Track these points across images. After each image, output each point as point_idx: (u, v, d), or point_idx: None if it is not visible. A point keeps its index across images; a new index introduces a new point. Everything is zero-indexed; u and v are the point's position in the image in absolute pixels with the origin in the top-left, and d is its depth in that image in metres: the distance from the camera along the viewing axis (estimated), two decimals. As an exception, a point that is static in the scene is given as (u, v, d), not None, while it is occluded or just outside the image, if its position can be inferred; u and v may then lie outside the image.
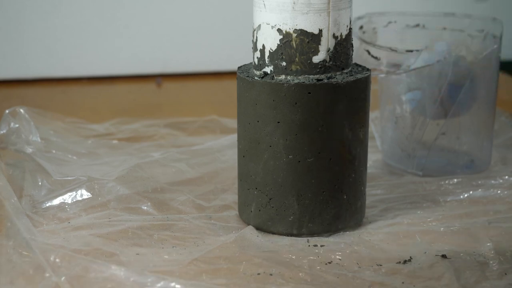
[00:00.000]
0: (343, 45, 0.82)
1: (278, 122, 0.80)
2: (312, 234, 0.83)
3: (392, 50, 0.96)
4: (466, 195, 0.94)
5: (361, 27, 1.04)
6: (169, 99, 1.42)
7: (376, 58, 0.97)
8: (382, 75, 1.01)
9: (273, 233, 0.84)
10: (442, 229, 0.85)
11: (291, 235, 0.83)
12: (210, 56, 1.53)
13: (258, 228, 0.84)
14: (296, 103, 0.79)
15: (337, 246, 0.80)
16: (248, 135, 0.83)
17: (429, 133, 1.00)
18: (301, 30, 0.79)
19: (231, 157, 1.03)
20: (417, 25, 1.05)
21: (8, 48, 1.47)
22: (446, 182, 0.97)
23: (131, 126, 1.19)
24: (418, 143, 1.01)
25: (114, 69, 1.51)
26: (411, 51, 0.96)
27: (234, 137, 1.05)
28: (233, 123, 1.19)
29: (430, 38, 1.00)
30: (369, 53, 0.98)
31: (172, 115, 1.26)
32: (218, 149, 1.06)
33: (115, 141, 1.13)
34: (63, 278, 0.71)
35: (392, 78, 1.01)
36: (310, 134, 0.80)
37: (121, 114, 1.24)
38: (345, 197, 0.83)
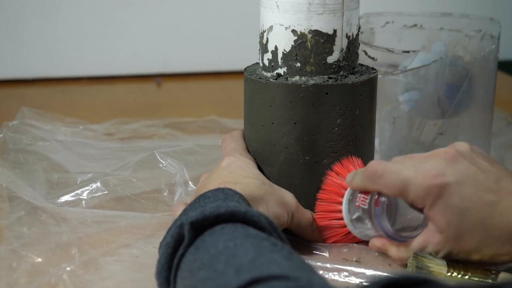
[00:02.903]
0: (354, 44, 0.82)
1: (295, 123, 0.80)
2: None
3: (389, 50, 0.97)
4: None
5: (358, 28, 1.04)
6: (169, 99, 1.42)
7: (373, 58, 0.97)
8: (380, 76, 1.02)
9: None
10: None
11: None
12: (210, 56, 1.53)
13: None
14: (313, 104, 0.80)
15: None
16: (260, 137, 0.83)
17: (427, 133, 1.01)
18: (316, 30, 0.79)
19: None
20: (415, 25, 1.05)
21: (8, 48, 1.47)
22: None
23: (131, 126, 1.20)
24: (416, 144, 1.01)
25: (114, 69, 1.52)
26: (408, 51, 0.96)
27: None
28: (233, 123, 1.20)
29: (428, 38, 1.00)
30: (366, 53, 0.99)
31: (172, 115, 1.26)
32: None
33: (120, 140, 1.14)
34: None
35: (390, 79, 1.01)
36: (326, 135, 0.80)
37: (121, 114, 1.25)
38: None
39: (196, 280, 0.59)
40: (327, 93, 0.79)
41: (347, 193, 0.76)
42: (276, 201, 0.76)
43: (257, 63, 0.86)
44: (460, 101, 0.99)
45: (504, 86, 1.39)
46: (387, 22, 1.05)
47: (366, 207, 0.74)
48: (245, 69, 0.86)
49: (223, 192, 0.71)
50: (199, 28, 1.52)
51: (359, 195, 0.75)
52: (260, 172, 0.80)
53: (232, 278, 0.56)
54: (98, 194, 0.92)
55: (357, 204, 0.75)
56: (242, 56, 1.43)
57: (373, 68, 0.85)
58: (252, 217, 0.65)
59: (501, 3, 1.62)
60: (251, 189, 0.74)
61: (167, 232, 0.66)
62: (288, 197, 0.78)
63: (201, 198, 0.71)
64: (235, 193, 0.71)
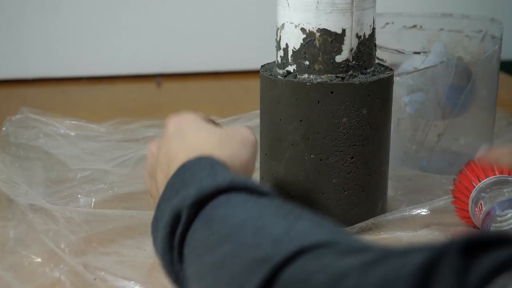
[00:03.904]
0: (366, 45, 0.82)
1: (301, 121, 0.81)
2: None
3: (399, 52, 0.96)
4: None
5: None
6: (169, 99, 1.42)
7: (381, 60, 0.97)
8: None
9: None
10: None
11: None
12: (210, 56, 1.53)
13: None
14: (318, 102, 0.80)
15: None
16: (270, 133, 0.83)
17: (431, 134, 1.00)
18: (324, 29, 0.80)
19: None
20: (414, 26, 1.05)
21: (8, 48, 1.47)
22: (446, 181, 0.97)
23: (131, 126, 1.20)
24: (421, 145, 1.01)
25: (114, 69, 1.52)
26: (419, 53, 0.96)
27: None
28: (233, 123, 1.19)
29: (427, 39, 1.00)
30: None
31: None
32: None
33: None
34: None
35: (394, 80, 1.01)
36: (332, 133, 0.80)
37: (121, 114, 1.25)
38: (366, 196, 0.83)
39: (218, 256, 0.54)
40: (332, 92, 0.79)
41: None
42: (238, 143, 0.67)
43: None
44: (463, 102, 0.99)
45: (504, 86, 1.39)
46: (387, 23, 1.05)
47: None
48: (262, 65, 0.87)
49: (208, 161, 0.63)
50: (199, 28, 1.52)
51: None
52: (208, 124, 0.71)
53: (272, 250, 0.50)
54: (97, 192, 0.92)
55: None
56: (242, 56, 1.43)
57: (390, 69, 0.85)
58: (252, 183, 0.60)
59: (501, 3, 1.61)
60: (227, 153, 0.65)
61: (157, 211, 0.61)
62: (245, 133, 0.69)
63: (185, 170, 0.63)
64: (217, 162, 0.63)
